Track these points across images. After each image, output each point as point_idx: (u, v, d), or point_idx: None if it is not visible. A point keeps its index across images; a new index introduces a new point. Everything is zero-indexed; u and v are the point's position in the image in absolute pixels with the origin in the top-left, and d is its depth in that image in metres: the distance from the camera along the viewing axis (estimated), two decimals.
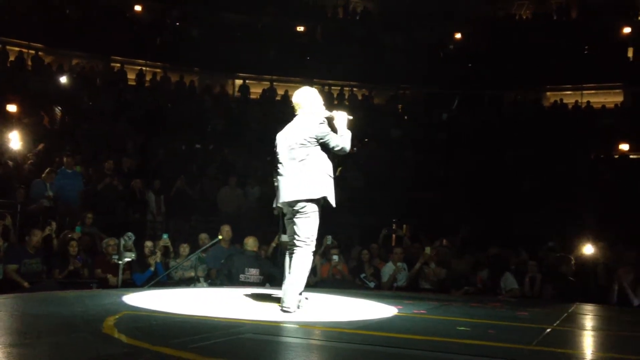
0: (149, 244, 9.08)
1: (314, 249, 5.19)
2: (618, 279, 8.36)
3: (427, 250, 9.46)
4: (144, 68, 22.23)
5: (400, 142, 17.49)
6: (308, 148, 5.13)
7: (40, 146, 12.98)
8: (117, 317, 4.63)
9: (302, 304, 5.20)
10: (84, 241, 9.22)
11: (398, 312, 5.63)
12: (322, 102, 5.38)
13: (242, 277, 8.53)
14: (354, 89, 23.11)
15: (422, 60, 20.48)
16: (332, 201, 5.13)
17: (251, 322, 4.66)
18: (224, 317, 4.90)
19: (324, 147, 5.17)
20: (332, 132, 5.20)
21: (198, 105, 19.19)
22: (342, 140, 5.21)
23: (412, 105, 21.39)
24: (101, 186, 11.41)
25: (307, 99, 5.33)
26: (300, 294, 5.17)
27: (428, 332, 4.70)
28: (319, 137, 5.13)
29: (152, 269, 8.72)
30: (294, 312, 5.04)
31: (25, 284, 7.76)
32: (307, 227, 5.14)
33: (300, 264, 5.14)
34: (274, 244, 9.38)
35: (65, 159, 11.45)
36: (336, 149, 5.18)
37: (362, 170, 14.53)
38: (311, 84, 24.74)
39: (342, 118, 5.32)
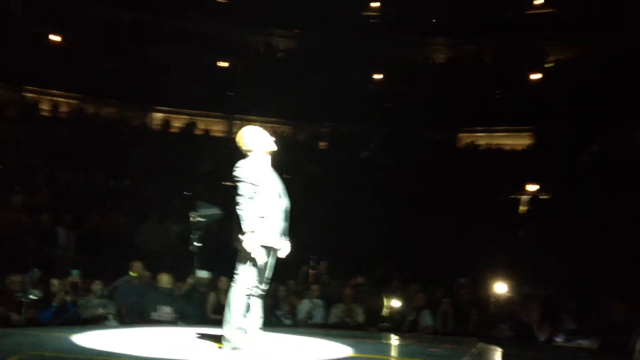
0: (55, 281, 8.70)
1: (243, 287, 5.13)
2: (524, 314, 8.67)
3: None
4: (59, 99, 21.56)
5: (319, 180, 17.63)
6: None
7: None
8: (17, 358, 4.40)
9: (242, 342, 5.09)
10: None
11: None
12: (259, 139, 5.33)
13: (154, 314, 8.32)
14: (275, 126, 23.16)
15: (342, 99, 20.82)
16: (251, 248, 5.07)
17: None
18: (135, 357, 4.75)
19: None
20: (244, 183, 5.10)
21: (115, 138, 18.76)
22: (243, 207, 5.06)
23: (333, 143, 21.65)
24: (7, 221, 10.91)
25: (241, 141, 5.34)
26: (244, 331, 5.10)
27: None
28: (233, 179, 5.17)
29: (57, 305, 8.33)
30: (229, 352, 5.02)
31: None
32: (237, 265, 5.18)
33: (228, 300, 5.20)
34: (190, 280, 9.19)
35: None
36: (238, 200, 5.09)
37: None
38: (232, 120, 24.71)
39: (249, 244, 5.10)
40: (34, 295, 7.58)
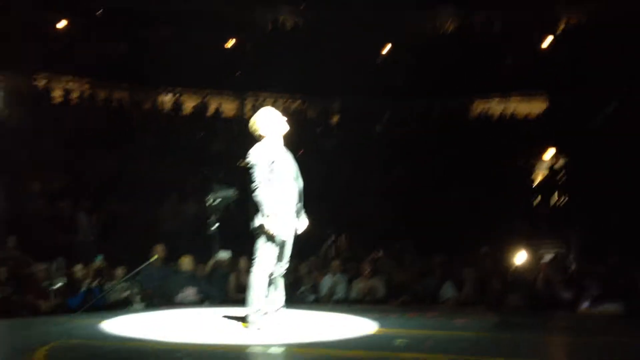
0: (79, 267, 8.79)
1: (263, 269, 5.15)
2: (544, 273, 8.61)
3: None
4: (70, 84, 21.58)
5: (333, 155, 17.59)
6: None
7: None
8: (49, 347, 4.46)
9: (261, 322, 5.13)
10: (9, 266, 8.85)
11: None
12: (271, 122, 5.32)
13: (179, 297, 8.40)
14: (287, 102, 23.14)
15: (352, 72, 20.70)
16: (272, 230, 5.08)
17: (190, 347, 4.58)
18: (161, 341, 4.80)
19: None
20: (257, 169, 5.14)
21: (127, 121, 18.79)
22: (259, 192, 5.11)
23: (345, 117, 21.59)
24: (28, 208, 11.00)
25: (254, 127, 5.32)
26: (266, 311, 5.15)
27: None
28: (247, 165, 5.18)
29: (84, 290, 8.42)
30: (254, 332, 5.08)
31: None
32: (256, 247, 5.22)
33: (249, 283, 5.23)
34: (211, 262, 9.24)
35: None
36: (252, 186, 5.15)
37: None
38: (243, 98, 24.67)
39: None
40: (60, 283, 7.66)
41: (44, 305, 7.96)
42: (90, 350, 4.52)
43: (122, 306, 8.45)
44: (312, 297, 9.42)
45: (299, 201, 5.31)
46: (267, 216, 5.02)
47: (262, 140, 5.30)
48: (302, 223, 5.34)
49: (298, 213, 5.30)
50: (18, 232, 9.95)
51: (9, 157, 14.05)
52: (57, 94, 20.59)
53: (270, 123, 5.33)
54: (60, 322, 6.08)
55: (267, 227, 5.04)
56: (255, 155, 5.15)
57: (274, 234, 5.09)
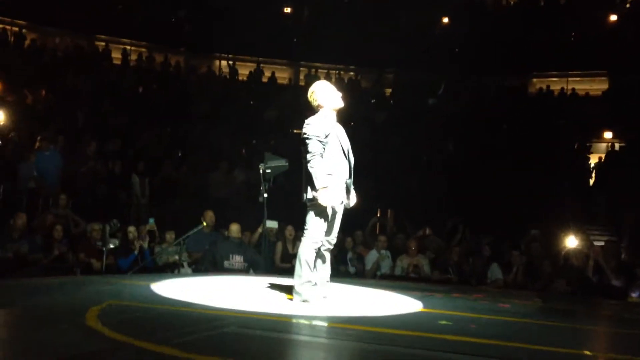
0: (132, 228, 9.03)
1: (313, 241, 5.20)
2: (594, 256, 8.43)
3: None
4: (128, 47, 21.96)
5: (384, 127, 17.48)
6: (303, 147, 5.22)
7: (12, 134, 12.58)
8: (100, 307, 4.60)
9: (312, 295, 5.19)
10: (64, 225, 9.17)
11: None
12: (330, 95, 5.30)
13: (226, 263, 8.54)
14: (341, 72, 23.05)
15: (408, 44, 20.42)
16: (327, 203, 5.11)
17: (236, 314, 4.66)
18: (210, 307, 4.90)
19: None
20: (314, 140, 5.10)
21: (183, 86, 19.04)
22: (314, 164, 5.07)
23: (398, 90, 21.37)
24: (84, 169, 11.31)
25: (312, 97, 5.33)
26: (314, 284, 5.20)
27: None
28: (302, 136, 5.17)
29: (136, 252, 8.68)
30: (300, 304, 5.12)
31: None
32: (307, 219, 5.24)
33: (298, 254, 5.25)
34: (260, 230, 9.34)
35: (39, 142, 11.28)
36: (307, 157, 5.10)
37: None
38: (297, 67, 24.59)
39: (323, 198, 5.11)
40: (113, 244, 7.89)
41: (96, 264, 8.24)
42: (140, 312, 4.64)
43: (171, 270, 8.67)
44: (353, 269, 9.48)
45: (349, 177, 5.30)
46: (321, 189, 5.03)
47: (319, 112, 5.28)
48: (352, 199, 5.34)
49: (348, 189, 5.30)
50: (73, 192, 10.27)
51: (68, 118, 14.49)
52: (116, 56, 21.00)
53: (328, 96, 5.31)
54: (112, 283, 6.25)
55: (320, 200, 5.05)
56: (312, 127, 5.13)
57: (327, 208, 5.11)
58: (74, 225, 9.61)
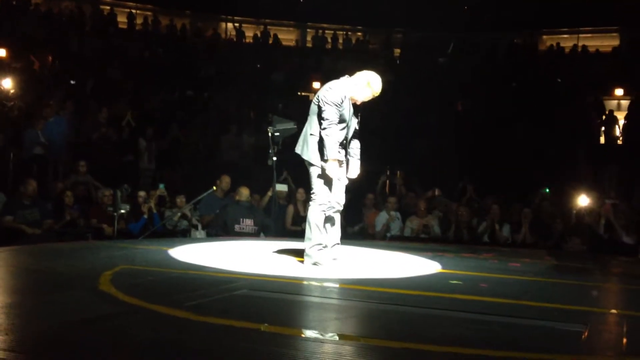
0: (142, 193, 9.06)
1: (320, 203, 5.19)
2: (605, 213, 8.42)
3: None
4: (134, 11, 21.75)
5: (393, 88, 17.30)
6: (315, 107, 5.18)
7: (12, 103, 12.50)
8: (113, 271, 4.65)
9: (322, 258, 5.21)
10: (78, 190, 9.22)
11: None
12: (370, 92, 5.17)
13: (237, 227, 8.58)
14: (348, 33, 22.79)
15: (415, 2, 20.08)
16: (334, 175, 5.11)
17: (247, 277, 4.69)
18: (221, 270, 4.94)
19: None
20: (333, 108, 5.01)
21: (189, 49, 18.88)
22: (329, 132, 5.02)
23: (407, 50, 21.11)
24: (96, 136, 11.33)
25: (364, 80, 5.14)
26: (324, 246, 5.22)
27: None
28: (319, 100, 5.10)
29: (146, 216, 8.72)
30: (310, 266, 5.16)
31: (28, 231, 7.77)
32: (311, 183, 5.25)
33: (307, 218, 5.28)
34: (270, 194, 9.34)
35: (46, 108, 11.25)
36: (324, 124, 5.05)
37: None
38: (305, 28, 24.21)
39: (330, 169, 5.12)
40: (124, 210, 7.93)
41: (107, 229, 8.30)
42: (152, 276, 4.68)
43: (182, 234, 8.73)
44: (356, 228, 9.54)
45: (347, 146, 5.28)
46: (332, 160, 5.04)
47: (340, 80, 5.18)
48: (353, 171, 5.31)
49: (351, 158, 5.32)
50: (86, 158, 10.29)
51: (77, 84, 14.45)
52: (121, 19, 20.81)
53: (369, 91, 5.15)
54: (123, 247, 6.29)
55: (327, 171, 5.07)
56: (333, 93, 5.06)
57: (334, 175, 5.11)
58: (94, 191, 9.63)
